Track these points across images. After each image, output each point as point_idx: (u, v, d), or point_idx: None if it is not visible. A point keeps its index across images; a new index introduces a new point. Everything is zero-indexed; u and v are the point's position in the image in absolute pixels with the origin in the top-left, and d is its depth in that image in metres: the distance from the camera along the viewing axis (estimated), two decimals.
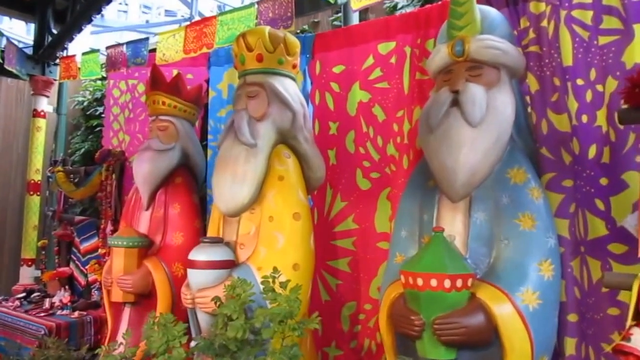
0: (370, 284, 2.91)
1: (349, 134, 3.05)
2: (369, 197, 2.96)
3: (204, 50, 3.57)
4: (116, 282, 3.18)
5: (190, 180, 3.54)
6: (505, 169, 2.09)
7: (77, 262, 4.52)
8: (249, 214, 2.59)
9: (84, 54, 4.77)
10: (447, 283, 1.88)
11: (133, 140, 4.36)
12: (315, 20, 4.70)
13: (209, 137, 3.72)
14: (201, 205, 3.56)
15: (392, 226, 2.44)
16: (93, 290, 4.23)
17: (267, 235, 2.53)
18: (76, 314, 3.94)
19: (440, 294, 1.88)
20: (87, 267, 4.25)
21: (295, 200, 2.59)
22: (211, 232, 2.80)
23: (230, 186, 2.55)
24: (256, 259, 2.50)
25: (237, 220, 2.64)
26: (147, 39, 4.16)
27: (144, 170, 3.39)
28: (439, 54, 2.25)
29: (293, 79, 2.79)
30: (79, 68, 4.83)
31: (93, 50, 4.73)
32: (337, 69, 3.10)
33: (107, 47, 4.43)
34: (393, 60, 2.86)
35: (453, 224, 2.11)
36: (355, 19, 3.46)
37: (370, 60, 2.96)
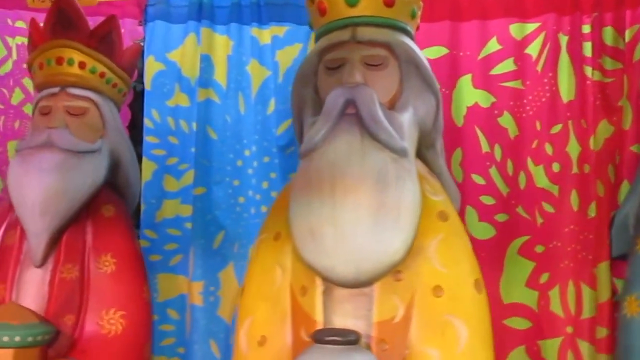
0: None
1: (455, 153, 2.05)
2: (489, 250, 1.97)
3: None
4: None
5: (125, 212, 1.95)
6: None
7: None
8: (392, 281, 1.35)
9: None
10: None
11: None
12: None
13: (150, 139, 2.17)
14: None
15: None
16: None
17: (437, 322, 1.34)
18: None
19: None
20: None
21: (471, 255, 1.47)
22: (273, 316, 1.41)
23: (371, 227, 1.29)
24: None
25: (368, 294, 1.36)
26: None
27: (47, 190, 1.71)
28: None
29: None
30: None
31: None
32: (430, 53, 2.05)
33: None
34: (532, 50, 1.99)
35: None
36: None
37: (493, 45, 2.03)
